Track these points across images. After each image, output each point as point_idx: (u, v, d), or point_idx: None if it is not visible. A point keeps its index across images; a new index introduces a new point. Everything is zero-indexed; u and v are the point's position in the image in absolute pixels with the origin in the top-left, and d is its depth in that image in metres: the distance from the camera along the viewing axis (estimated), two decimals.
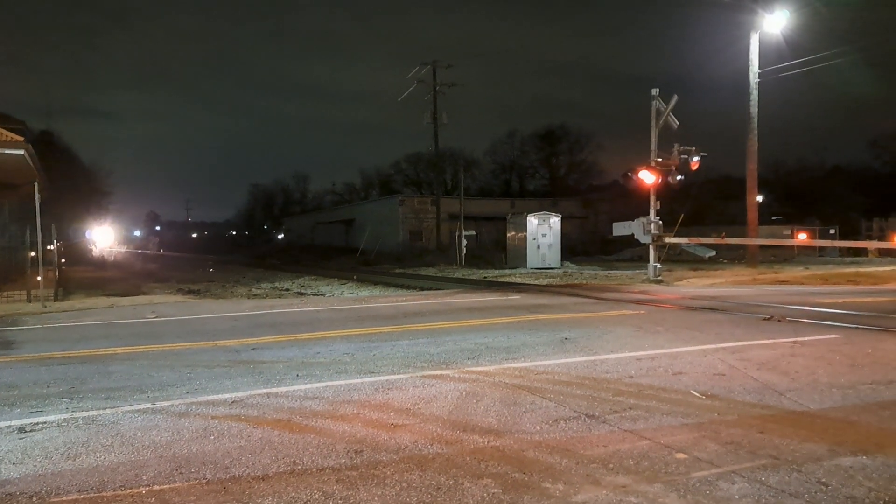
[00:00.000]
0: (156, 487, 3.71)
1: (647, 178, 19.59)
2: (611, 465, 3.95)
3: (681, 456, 4.10)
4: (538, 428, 4.72)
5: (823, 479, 3.70)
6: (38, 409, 5.46)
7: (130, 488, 3.70)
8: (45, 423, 5.06)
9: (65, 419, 5.14)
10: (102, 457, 4.25)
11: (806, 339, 8.49)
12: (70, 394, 6.01)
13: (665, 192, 20.47)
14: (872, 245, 35.02)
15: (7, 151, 15.08)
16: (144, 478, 3.86)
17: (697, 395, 5.64)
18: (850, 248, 36.94)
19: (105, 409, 5.44)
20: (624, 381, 6.20)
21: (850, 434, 4.54)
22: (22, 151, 15.04)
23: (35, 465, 4.11)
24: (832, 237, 40.21)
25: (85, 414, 5.29)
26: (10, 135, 15.45)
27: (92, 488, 3.72)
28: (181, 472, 3.94)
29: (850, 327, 9.56)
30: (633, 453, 4.15)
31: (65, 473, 3.96)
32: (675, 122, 19.69)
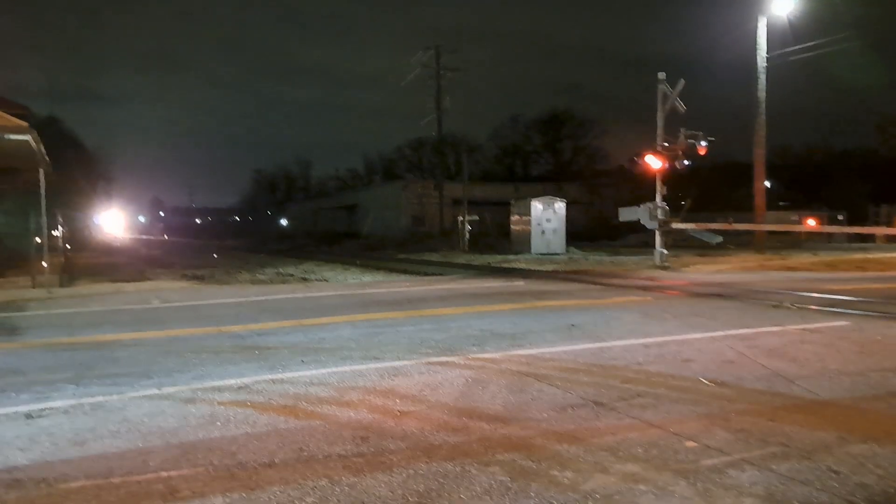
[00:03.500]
0: (163, 474, 3.70)
1: (654, 163, 19.47)
2: (620, 453, 3.92)
3: (690, 444, 4.07)
4: (546, 415, 4.69)
5: (834, 467, 3.67)
6: (45, 395, 5.46)
7: (138, 475, 3.69)
8: (51, 409, 5.05)
9: (71, 405, 5.14)
10: (109, 443, 4.24)
11: (815, 326, 8.43)
12: (76, 380, 6.00)
13: (672, 178, 20.33)
14: (880, 231, 34.76)
15: (12, 137, 15.01)
16: (151, 464, 3.85)
17: (706, 382, 5.60)
18: (857, 235, 36.72)
19: (111, 395, 5.44)
20: (632, 368, 6.17)
21: (861, 422, 4.51)
22: (27, 137, 14.96)
23: (42, 452, 4.10)
24: (841, 223, 39.96)
25: (91, 400, 5.29)
26: (16, 120, 15.36)
27: (99, 474, 3.71)
28: (188, 459, 3.93)
29: (859, 314, 9.49)
30: (642, 441, 4.12)
31: (72, 460, 3.96)
32: (681, 107, 19.53)
